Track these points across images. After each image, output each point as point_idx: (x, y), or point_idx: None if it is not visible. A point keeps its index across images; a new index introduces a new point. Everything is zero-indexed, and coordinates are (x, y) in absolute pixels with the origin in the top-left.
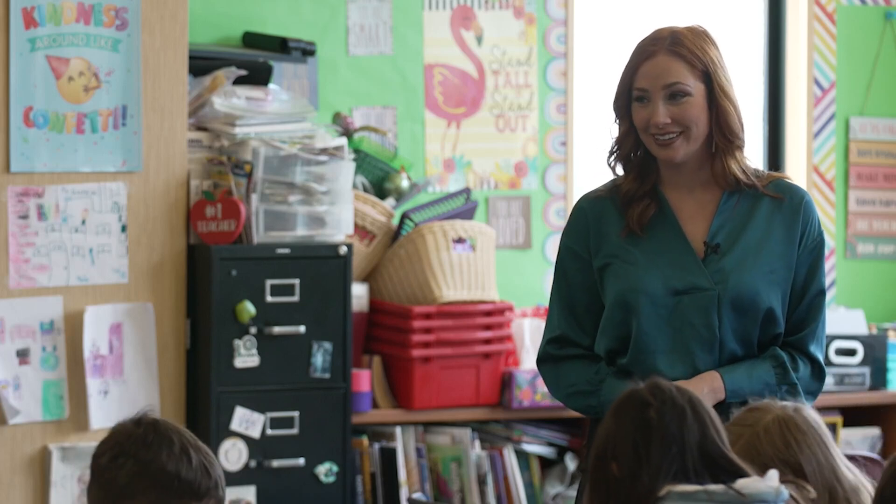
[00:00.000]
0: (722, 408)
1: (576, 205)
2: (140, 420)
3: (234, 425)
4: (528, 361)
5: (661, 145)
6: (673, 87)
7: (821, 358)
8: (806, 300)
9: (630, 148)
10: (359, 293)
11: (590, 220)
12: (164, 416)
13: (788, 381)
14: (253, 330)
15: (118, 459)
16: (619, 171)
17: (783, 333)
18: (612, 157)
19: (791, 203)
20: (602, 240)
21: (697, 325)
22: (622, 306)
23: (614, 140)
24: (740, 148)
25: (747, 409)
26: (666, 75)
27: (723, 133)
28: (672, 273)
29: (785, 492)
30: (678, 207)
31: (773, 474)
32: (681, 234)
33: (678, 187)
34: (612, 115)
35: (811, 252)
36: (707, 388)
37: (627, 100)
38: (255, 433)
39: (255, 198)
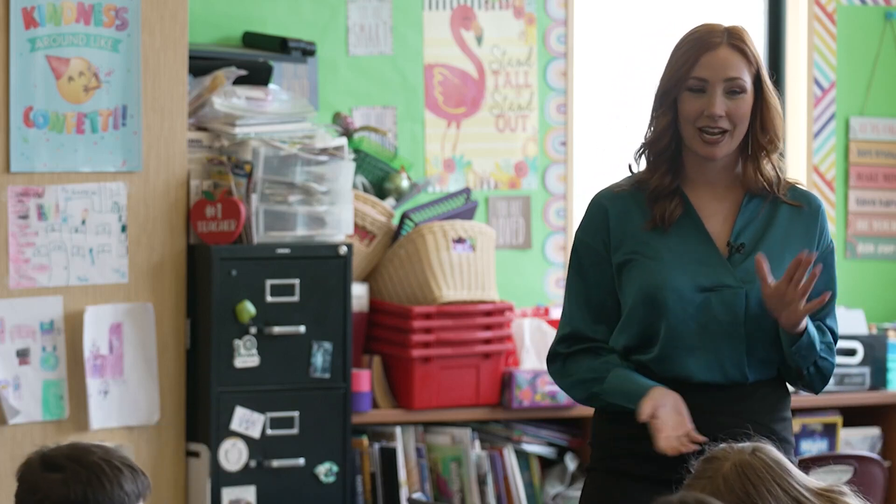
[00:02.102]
0: (682, 459)
1: (593, 200)
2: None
3: (234, 425)
4: (528, 361)
5: (707, 142)
6: (734, 82)
7: (836, 329)
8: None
9: (667, 143)
10: (359, 293)
11: (610, 215)
12: (163, 417)
13: (826, 340)
14: (253, 330)
15: None
16: (642, 165)
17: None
18: (645, 150)
19: (809, 210)
20: (624, 235)
21: (724, 322)
22: (648, 303)
23: (653, 132)
24: (778, 150)
25: (705, 460)
26: (729, 68)
27: (766, 134)
28: (698, 270)
29: None
30: (699, 206)
31: None
32: (704, 232)
33: (700, 185)
34: (656, 106)
35: (824, 258)
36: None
37: (677, 92)
38: (255, 433)
39: (255, 198)
